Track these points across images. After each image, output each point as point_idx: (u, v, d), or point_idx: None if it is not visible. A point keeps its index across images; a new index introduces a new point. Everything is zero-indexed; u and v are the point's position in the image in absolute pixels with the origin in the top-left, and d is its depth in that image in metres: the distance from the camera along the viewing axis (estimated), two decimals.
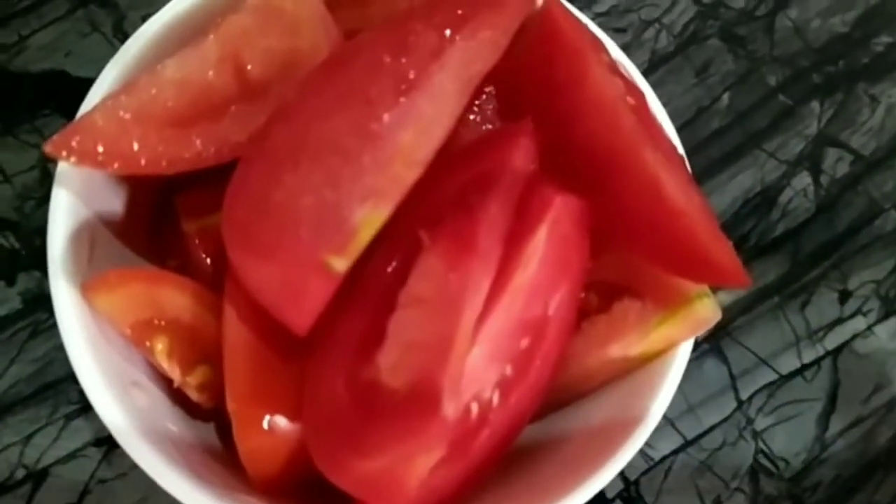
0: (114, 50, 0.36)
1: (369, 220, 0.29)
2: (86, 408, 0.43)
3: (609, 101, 0.34)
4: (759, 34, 0.56)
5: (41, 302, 0.45)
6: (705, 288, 0.34)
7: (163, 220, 0.38)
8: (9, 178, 0.47)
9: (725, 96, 0.55)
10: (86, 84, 0.35)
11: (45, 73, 0.50)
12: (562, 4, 0.36)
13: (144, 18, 0.36)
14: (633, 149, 0.33)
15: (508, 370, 0.33)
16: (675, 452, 0.47)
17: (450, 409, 0.28)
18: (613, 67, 0.36)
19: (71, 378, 0.31)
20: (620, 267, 0.36)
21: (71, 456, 0.43)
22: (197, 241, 0.36)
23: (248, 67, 0.35)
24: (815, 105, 0.55)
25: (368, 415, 0.30)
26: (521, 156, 0.33)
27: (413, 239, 0.32)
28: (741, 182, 0.53)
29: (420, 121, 0.31)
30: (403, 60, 0.33)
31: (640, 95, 0.36)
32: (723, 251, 0.31)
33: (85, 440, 0.43)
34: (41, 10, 0.51)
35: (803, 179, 0.53)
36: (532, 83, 0.36)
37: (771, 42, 0.56)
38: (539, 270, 0.32)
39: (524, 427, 0.34)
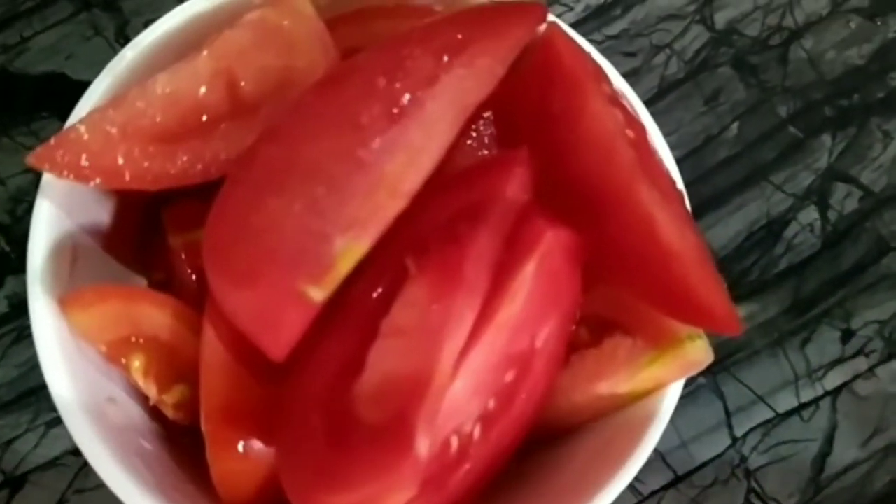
0: (115, 55, 0.35)
1: (349, 251, 0.29)
2: None
3: (607, 134, 0.33)
4: (772, 64, 0.55)
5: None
6: (698, 329, 0.33)
7: (149, 233, 0.38)
8: (2, 181, 0.47)
9: (734, 125, 0.54)
10: (85, 88, 0.34)
11: (45, 75, 0.50)
12: (563, 32, 0.35)
13: (147, 24, 0.36)
14: (628, 185, 0.32)
15: (491, 404, 0.32)
16: (665, 488, 0.46)
17: (423, 448, 0.27)
18: (614, 98, 0.35)
19: None
20: (613, 302, 0.35)
21: (50, 464, 0.43)
22: (183, 256, 0.36)
23: (242, 84, 0.34)
24: (825, 138, 0.54)
25: (341, 448, 0.29)
26: (515, 185, 0.32)
27: (400, 266, 0.32)
28: (746, 214, 0.52)
29: (409, 150, 0.30)
30: (397, 85, 0.32)
31: (640, 128, 0.35)
32: (715, 296, 0.31)
33: (64, 448, 0.43)
34: (45, 11, 0.51)
35: (810, 214, 0.52)
36: (529, 111, 0.35)
37: (784, 72, 0.55)
38: (526, 304, 0.31)
39: (506, 462, 0.33)
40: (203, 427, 0.31)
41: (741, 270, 0.51)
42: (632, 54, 0.54)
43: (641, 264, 0.32)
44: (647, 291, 0.32)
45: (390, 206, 0.30)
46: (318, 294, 0.28)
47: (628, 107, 0.36)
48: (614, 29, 0.54)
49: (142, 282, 0.38)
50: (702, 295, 0.31)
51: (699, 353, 0.33)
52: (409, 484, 0.27)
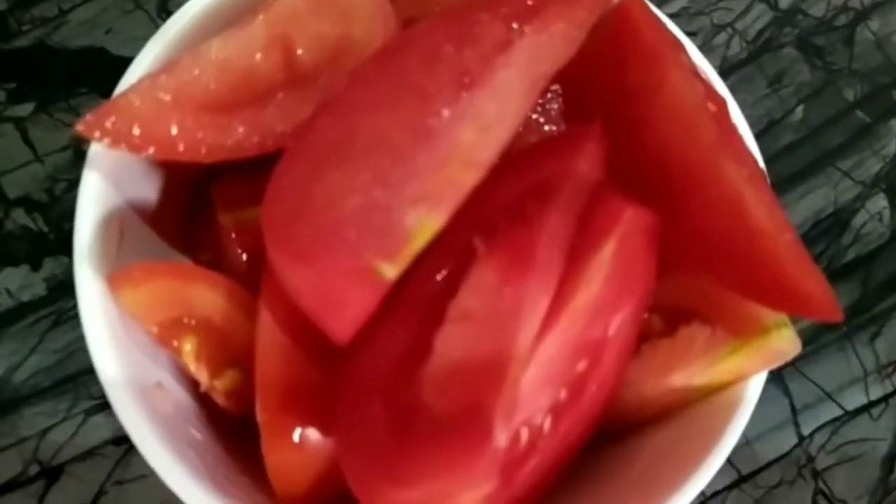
0: (156, 29, 0.34)
1: (424, 225, 0.27)
2: (106, 404, 0.40)
3: (688, 107, 0.31)
4: (837, 45, 0.53)
5: (66, 289, 0.43)
6: (784, 317, 0.31)
7: (198, 210, 0.36)
8: (40, 158, 0.46)
9: (799, 109, 0.52)
10: (125, 63, 0.33)
11: (84, 49, 0.48)
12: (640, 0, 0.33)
13: None
14: (712, 161, 0.30)
15: (563, 394, 0.30)
16: (729, 488, 0.44)
17: (502, 440, 0.25)
18: (694, 71, 0.33)
19: (92, 371, 0.30)
20: (688, 288, 0.33)
21: (88, 454, 0.41)
22: (233, 235, 0.34)
23: (298, 52, 0.32)
24: (894, 123, 0.52)
25: (408, 438, 0.27)
26: (587, 162, 0.31)
27: (466, 246, 0.30)
28: (812, 202, 0.50)
29: (481, 118, 0.28)
30: (466, 52, 0.30)
31: (721, 102, 0.33)
32: (813, 279, 0.29)
33: (104, 438, 0.41)
34: None
35: (879, 202, 0.50)
36: (602, 83, 0.33)
37: (850, 54, 0.53)
38: (603, 289, 0.30)
39: (574, 457, 0.31)
40: (258, 415, 0.30)
41: None
42: (692, 34, 0.52)
43: (727, 245, 0.30)
44: (733, 275, 0.30)
45: (465, 177, 0.28)
46: (390, 271, 0.26)
47: (708, 80, 0.34)
48: (673, 7, 0.53)
49: (188, 262, 0.37)
50: (797, 278, 0.29)
51: (786, 342, 0.31)
52: (486, 478, 0.26)
